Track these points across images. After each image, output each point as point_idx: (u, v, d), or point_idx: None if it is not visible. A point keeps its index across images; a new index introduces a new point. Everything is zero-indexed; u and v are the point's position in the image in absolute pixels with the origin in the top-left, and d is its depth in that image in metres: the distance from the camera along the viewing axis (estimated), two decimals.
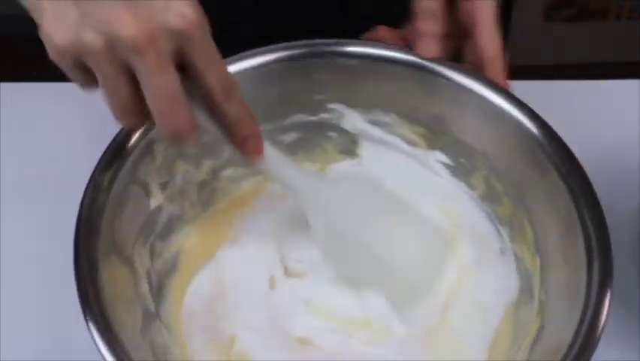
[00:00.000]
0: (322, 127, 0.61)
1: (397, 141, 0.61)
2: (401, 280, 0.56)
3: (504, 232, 0.59)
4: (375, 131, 0.61)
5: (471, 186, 0.60)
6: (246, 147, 0.48)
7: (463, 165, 0.60)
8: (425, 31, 0.56)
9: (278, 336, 0.54)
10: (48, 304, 0.59)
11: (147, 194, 0.55)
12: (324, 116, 0.60)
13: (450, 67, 0.56)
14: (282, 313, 0.55)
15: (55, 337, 0.58)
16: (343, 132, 0.62)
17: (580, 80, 0.73)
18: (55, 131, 0.69)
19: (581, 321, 0.46)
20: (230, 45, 0.57)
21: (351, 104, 0.60)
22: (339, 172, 0.61)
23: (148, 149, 0.53)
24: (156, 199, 0.56)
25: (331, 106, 0.60)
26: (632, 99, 0.72)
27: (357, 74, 0.58)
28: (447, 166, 0.61)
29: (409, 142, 0.61)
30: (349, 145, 0.62)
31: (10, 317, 0.59)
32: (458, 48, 0.59)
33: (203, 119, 0.46)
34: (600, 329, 0.46)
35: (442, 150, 0.60)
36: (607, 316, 0.46)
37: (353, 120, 0.61)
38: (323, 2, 0.75)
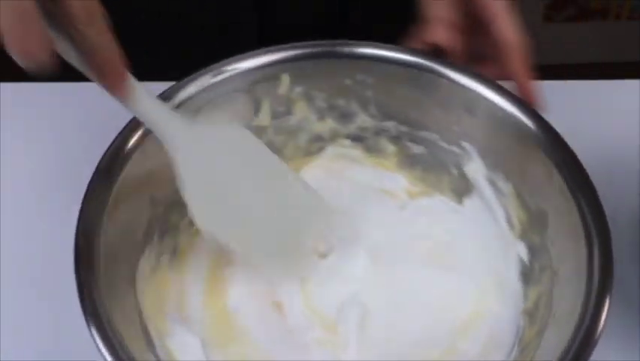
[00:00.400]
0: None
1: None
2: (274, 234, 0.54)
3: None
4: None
5: None
6: (105, 77, 0.45)
7: None
8: (435, 15, 0.56)
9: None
10: (48, 305, 0.59)
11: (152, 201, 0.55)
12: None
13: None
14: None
15: (55, 337, 0.58)
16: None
17: (580, 80, 0.73)
18: (55, 132, 0.69)
19: (579, 326, 0.46)
20: (232, 45, 0.57)
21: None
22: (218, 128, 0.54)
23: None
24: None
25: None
26: (632, 99, 0.72)
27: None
28: None
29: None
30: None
31: (10, 316, 0.59)
32: (475, 47, 0.58)
33: (63, 45, 0.43)
34: (598, 333, 0.46)
35: None
36: (605, 322, 0.46)
37: (474, 166, 0.59)
38: (324, 2, 0.75)
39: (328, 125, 0.61)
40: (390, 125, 0.60)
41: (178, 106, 0.54)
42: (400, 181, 0.61)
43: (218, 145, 0.51)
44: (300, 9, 0.74)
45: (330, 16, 0.76)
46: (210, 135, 0.51)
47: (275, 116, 0.59)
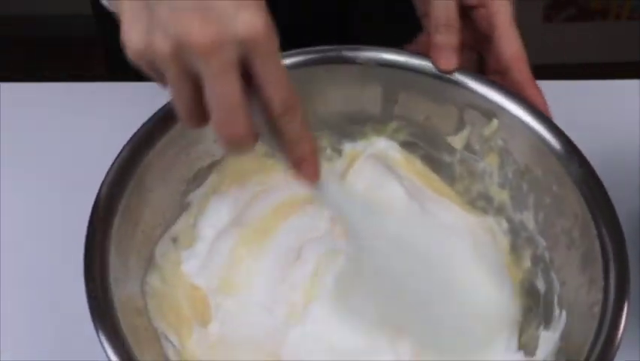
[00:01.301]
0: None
1: None
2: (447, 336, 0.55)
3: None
4: None
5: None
6: (300, 168, 0.47)
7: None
8: (443, 43, 0.56)
9: None
10: (49, 305, 0.59)
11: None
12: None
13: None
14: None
15: (55, 337, 0.58)
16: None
17: (580, 80, 0.73)
18: (55, 132, 0.69)
19: (597, 335, 0.47)
20: None
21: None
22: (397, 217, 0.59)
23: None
24: None
25: None
26: (632, 99, 0.72)
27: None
28: None
29: None
30: None
31: (10, 316, 0.59)
32: (480, 58, 0.59)
33: (263, 131, 0.45)
34: (618, 341, 0.47)
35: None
36: (624, 330, 0.47)
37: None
38: (323, 3, 0.75)
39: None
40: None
41: None
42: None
43: (393, 232, 0.55)
44: (300, 9, 0.74)
45: (329, 17, 0.76)
46: (387, 223, 0.56)
47: None
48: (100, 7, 0.85)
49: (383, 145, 0.62)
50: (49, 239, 0.63)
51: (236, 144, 0.43)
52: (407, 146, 0.62)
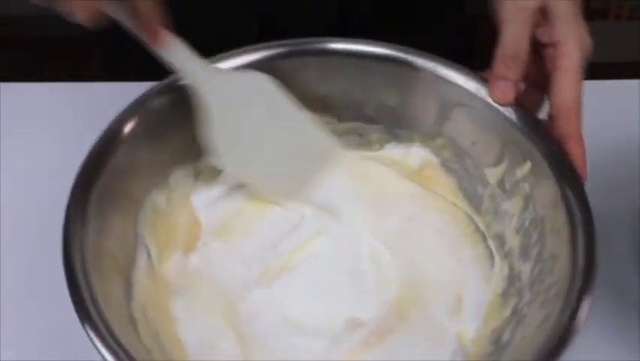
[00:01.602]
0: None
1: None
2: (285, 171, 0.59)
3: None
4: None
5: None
6: (145, 32, 0.51)
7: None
8: (504, 74, 0.54)
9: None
10: (48, 305, 0.59)
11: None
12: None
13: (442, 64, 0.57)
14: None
15: (55, 337, 0.58)
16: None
17: None
18: (55, 132, 0.69)
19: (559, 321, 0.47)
20: (235, 46, 0.57)
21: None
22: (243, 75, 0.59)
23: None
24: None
25: None
26: (632, 99, 0.72)
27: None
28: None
29: None
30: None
31: (10, 316, 0.59)
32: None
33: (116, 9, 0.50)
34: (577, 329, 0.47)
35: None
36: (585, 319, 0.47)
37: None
38: (323, 2, 0.75)
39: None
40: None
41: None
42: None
43: (241, 90, 0.56)
44: (300, 9, 0.74)
45: (329, 15, 0.76)
46: (235, 81, 0.56)
47: None
48: None
49: (423, 154, 0.61)
50: (49, 239, 0.62)
51: (84, 11, 0.48)
52: (446, 165, 0.61)
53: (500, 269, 0.57)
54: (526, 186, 0.55)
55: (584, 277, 0.48)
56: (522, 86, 0.54)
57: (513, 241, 0.57)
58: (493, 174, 0.58)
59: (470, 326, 0.54)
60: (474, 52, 0.86)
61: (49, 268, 0.61)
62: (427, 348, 0.53)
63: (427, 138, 0.61)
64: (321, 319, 0.55)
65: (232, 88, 0.56)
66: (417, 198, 0.60)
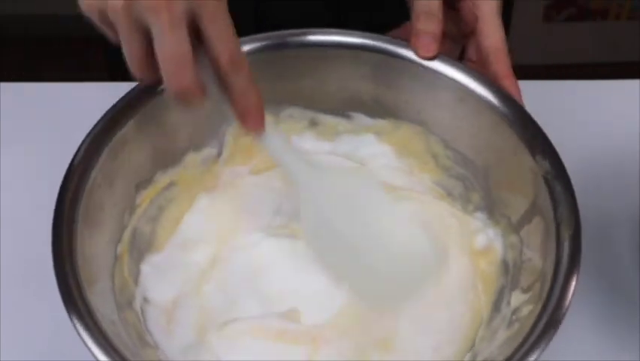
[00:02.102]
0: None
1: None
2: (380, 282, 0.56)
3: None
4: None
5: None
6: (246, 120, 0.50)
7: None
8: (423, 30, 0.56)
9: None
10: (48, 304, 0.59)
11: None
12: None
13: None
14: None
15: (55, 337, 0.58)
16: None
17: (580, 80, 0.73)
18: (55, 132, 0.69)
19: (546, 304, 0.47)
20: None
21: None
22: (336, 164, 0.61)
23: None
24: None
25: None
26: (632, 99, 0.72)
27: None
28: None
29: None
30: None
31: (10, 316, 0.59)
32: (462, 50, 0.59)
33: (211, 85, 0.48)
34: (565, 309, 0.46)
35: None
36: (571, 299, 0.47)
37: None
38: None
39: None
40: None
41: None
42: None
43: (333, 187, 0.56)
44: (299, 6, 0.74)
45: (326, 13, 0.76)
46: (329, 177, 0.56)
47: None
48: None
49: (492, 238, 0.58)
50: (49, 239, 0.63)
51: (184, 96, 0.46)
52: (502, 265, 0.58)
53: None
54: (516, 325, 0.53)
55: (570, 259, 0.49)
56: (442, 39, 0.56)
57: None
58: (516, 299, 0.55)
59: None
60: None
61: (50, 268, 0.61)
62: None
63: (509, 230, 0.57)
64: (304, 278, 0.56)
65: (325, 184, 0.55)
66: None
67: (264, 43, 0.58)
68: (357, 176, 0.60)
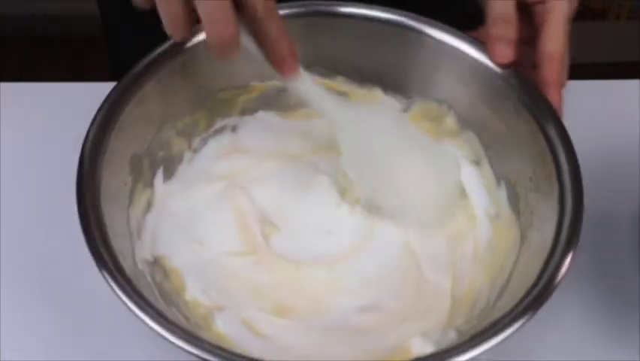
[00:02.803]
0: None
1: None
2: (415, 213, 0.59)
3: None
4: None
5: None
6: (282, 65, 0.53)
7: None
8: (498, 36, 0.56)
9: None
10: (49, 304, 0.59)
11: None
12: None
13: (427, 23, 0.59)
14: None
15: (55, 337, 0.58)
16: None
17: (580, 80, 0.73)
18: (55, 132, 0.69)
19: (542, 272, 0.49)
20: None
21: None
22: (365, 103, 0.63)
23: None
24: None
25: None
26: (632, 99, 0.72)
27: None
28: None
29: None
30: None
31: (10, 316, 0.59)
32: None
33: (246, 38, 0.51)
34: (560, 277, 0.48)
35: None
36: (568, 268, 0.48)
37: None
38: None
39: None
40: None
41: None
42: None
43: (369, 122, 0.59)
44: None
45: None
46: (360, 113, 0.59)
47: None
48: (104, 7, 0.85)
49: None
50: (50, 239, 0.63)
51: (225, 45, 0.49)
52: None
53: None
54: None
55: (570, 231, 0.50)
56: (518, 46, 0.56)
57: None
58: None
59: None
60: None
61: (50, 268, 0.61)
62: None
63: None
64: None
65: (361, 119, 0.58)
66: None
67: (302, 9, 0.60)
68: (388, 115, 0.62)
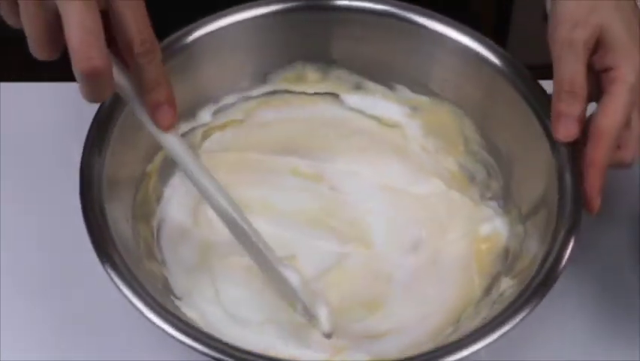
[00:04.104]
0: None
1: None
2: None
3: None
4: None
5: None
6: (157, 114, 0.48)
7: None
8: (565, 113, 0.52)
9: None
10: (49, 304, 0.59)
11: None
12: None
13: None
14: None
15: (55, 337, 0.58)
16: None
17: None
18: (55, 132, 0.69)
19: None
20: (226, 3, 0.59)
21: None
22: None
23: None
24: None
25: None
26: None
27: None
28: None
29: None
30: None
31: (10, 316, 0.59)
32: None
33: (119, 75, 0.47)
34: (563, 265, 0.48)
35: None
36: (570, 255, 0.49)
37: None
38: None
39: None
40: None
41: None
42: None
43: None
44: None
45: None
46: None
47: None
48: None
49: (498, 227, 0.60)
50: (50, 240, 0.63)
51: (94, 73, 0.42)
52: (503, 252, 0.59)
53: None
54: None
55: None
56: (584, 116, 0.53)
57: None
58: (505, 284, 0.56)
59: None
60: None
61: (50, 268, 0.61)
62: None
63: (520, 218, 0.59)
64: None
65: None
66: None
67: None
68: None
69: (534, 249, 0.52)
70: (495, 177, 0.60)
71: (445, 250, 0.59)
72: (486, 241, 0.59)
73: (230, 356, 0.45)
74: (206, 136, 0.62)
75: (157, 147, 0.56)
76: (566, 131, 0.52)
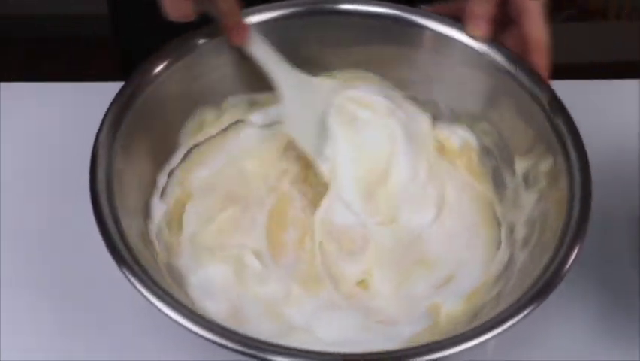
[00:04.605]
0: None
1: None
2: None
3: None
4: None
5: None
6: (231, 35, 0.58)
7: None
8: (477, 12, 0.59)
9: None
10: (49, 304, 0.59)
11: None
12: None
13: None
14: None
15: (56, 337, 0.58)
16: None
17: (580, 80, 0.73)
18: (55, 132, 0.69)
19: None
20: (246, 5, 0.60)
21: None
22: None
23: None
24: None
25: None
26: (632, 99, 0.72)
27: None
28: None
29: None
30: None
31: (10, 316, 0.59)
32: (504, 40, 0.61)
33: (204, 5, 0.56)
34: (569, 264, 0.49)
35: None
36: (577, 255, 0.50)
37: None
38: None
39: None
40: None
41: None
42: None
43: (312, 90, 0.62)
44: None
45: None
46: (307, 82, 0.62)
47: None
48: (115, 7, 0.85)
49: (463, 136, 0.63)
50: (50, 239, 0.63)
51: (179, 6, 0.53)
52: (484, 150, 0.62)
53: (502, 256, 0.58)
54: (544, 182, 0.57)
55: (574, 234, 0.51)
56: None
57: (520, 231, 0.57)
58: (521, 164, 0.59)
59: (448, 300, 0.55)
60: None
61: (50, 268, 0.61)
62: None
63: (474, 121, 0.62)
64: None
65: (304, 88, 0.62)
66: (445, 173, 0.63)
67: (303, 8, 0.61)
68: (338, 91, 0.63)
69: (521, 128, 0.57)
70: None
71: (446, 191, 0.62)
72: (460, 154, 0.63)
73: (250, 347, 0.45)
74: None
75: (167, 152, 0.59)
76: (479, 29, 0.59)
